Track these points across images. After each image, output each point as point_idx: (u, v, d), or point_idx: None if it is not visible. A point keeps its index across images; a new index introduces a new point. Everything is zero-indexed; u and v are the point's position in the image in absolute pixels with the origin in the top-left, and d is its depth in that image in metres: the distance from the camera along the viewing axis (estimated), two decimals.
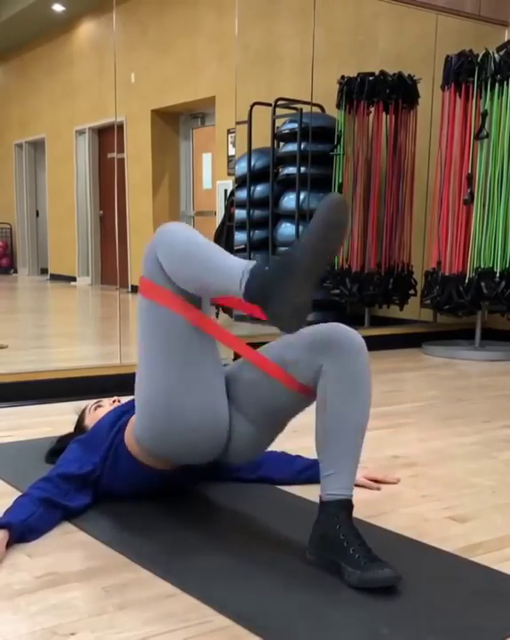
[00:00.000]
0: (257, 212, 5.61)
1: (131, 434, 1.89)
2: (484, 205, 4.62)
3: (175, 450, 1.78)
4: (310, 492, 2.08)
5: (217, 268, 1.59)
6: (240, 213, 5.66)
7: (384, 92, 5.09)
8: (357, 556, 1.56)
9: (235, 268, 1.56)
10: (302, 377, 1.72)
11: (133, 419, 1.88)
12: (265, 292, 1.51)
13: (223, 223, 5.98)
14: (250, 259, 5.51)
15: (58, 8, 7.69)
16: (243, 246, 5.59)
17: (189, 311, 1.70)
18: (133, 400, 2.06)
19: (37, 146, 8.90)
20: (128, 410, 2.02)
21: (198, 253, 1.62)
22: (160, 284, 1.69)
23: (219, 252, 1.63)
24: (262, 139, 5.55)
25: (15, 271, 9.06)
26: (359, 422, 1.71)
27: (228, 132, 6.43)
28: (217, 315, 5.84)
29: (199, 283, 1.64)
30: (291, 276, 1.49)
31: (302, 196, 5.32)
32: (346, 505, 1.65)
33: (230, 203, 5.86)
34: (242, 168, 5.65)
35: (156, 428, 1.76)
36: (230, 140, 6.44)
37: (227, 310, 5.66)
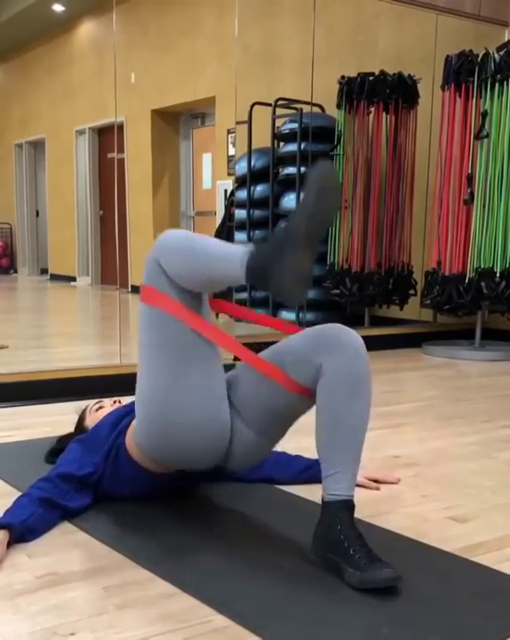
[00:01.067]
0: (257, 212, 5.62)
1: (132, 437, 1.89)
2: (484, 205, 4.62)
3: (174, 454, 1.78)
4: (310, 492, 2.08)
5: (218, 257, 1.60)
6: (240, 213, 5.66)
7: (384, 92, 5.09)
8: (357, 557, 1.56)
9: (235, 254, 1.57)
10: (302, 378, 1.70)
11: (134, 422, 1.89)
12: (265, 268, 1.52)
13: (223, 223, 5.99)
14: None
15: (58, 8, 7.69)
16: None
17: (189, 316, 1.71)
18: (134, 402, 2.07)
19: (37, 146, 8.91)
20: (129, 412, 2.02)
21: (199, 248, 1.64)
22: (161, 291, 1.70)
23: (220, 243, 1.65)
24: (262, 139, 5.55)
25: (15, 271, 9.07)
26: (360, 422, 1.71)
27: (228, 132, 6.43)
28: (216, 315, 5.85)
29: (204, 277, 1.65)
30: (289, 245, 1.50)
31: (302, 197, 5.31)
32: (348, 505, 1.65)
33: (230, 203, 5.86)
34: (242, 168, 5.66)
35: (155, 430, 1.76)
36: (230, 140, 6.44)
37: None
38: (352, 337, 1.72)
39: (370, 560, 1.56)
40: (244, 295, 5.64)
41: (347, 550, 1.58)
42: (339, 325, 1.75)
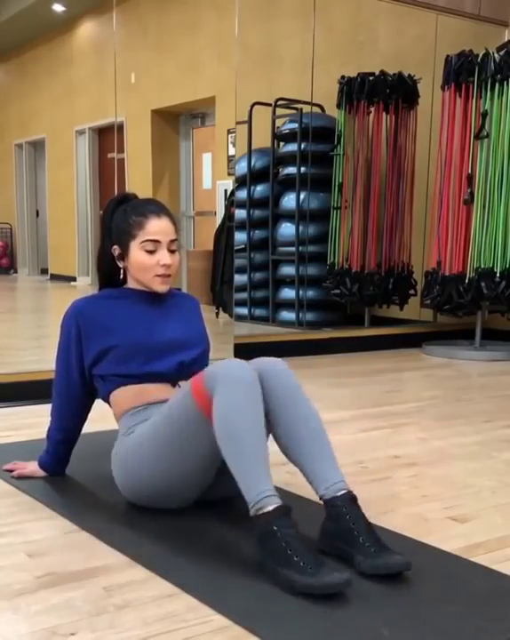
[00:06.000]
0: (257, 212, 5.61)
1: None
2: (484, 205, 4.62)
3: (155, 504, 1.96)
4: (311, 492, 2.08)
5: (244, 478, 1.64)
6: (240, 213, 5.66)
7: (384, 92, 5.10)
8: (367, 545, 1.60)
9: (252, 491, 1.62)
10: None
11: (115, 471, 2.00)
12: (260, 546, 1.60)
13: (223, 223, 5.98)
14: (250, 259, 5.53)
15: (58, 8, 7.68)
16: (243, 246, 5.59)
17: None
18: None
19: (37, 146, 8.89)
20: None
21: (242, 451, 1.65)
22: (212, 399, 1.71)
23: (259, 459, 1.65)
24: (262, 139, 5.54)
25: (15, 271, 9.06)
26: (317, 423, 1.79)
27: (228, 132, 6.43)
28: (216, 314, 5.85)
29: (227, 462, 1.67)
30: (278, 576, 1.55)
31: (302, 196, 5.32)
32: (351, 497, 1.70)
33: (230, 203, 5.86)
34: (242, 168, 5.66)
35: (140, 497, 1.95)
36: (230, 140, 6.44)
37: (227, 309, 5.67)
38: (273, 363, 1.84)
39: (380, 548, 1.60)
40: (244, 295, 5.64)
41: (357, 538, 1.62)
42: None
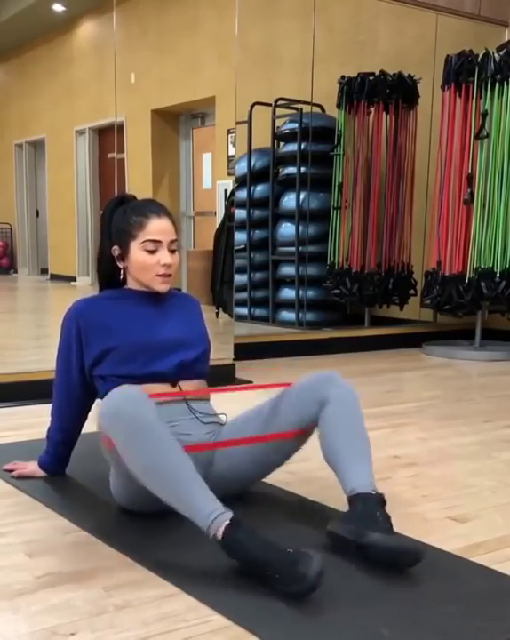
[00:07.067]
0: (257, 212, 5.61)
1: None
2: (484, 205, 4.62)
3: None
4: (311, 492, 2.08)
5: (184, 508, 1.61)
6: (240, 213, 5.66)
7: (384, 92, 5.10)
8: (386, 527, 1.63)
9: (199, 517, 1.58)
10: (303, 420, 1.87)
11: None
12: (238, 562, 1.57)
13: (223, 223, 5.98)
14: (250, 259, 5.53)
15: (58, 8, 7.67)
16: (243, 246, 5.59)
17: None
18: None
19: (37, 146, 8.89)
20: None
21: (166, 485, 1.63)
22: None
23: (186, 481, 1.62)
24: (262, 139, 5.54)
25: (15, 271, 9.05)
26: (366, 434, 1.85)
27: (228, 132, 6.43)
28: (216, 314, 5.85)
29: (166, 501, 1.65)
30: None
31: (302, 196, 5.32)
32: (380, 497, 1.71)
33: (230, 203, 5.86)
34: (242, 168, 5.66)
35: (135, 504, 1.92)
36: (230, 140, 6.44)
37: (227, 309, 5.67)
38: (343, 380, 1.91)
39: (394, 534, 1.64)
40: (244, 295, 5.64)
41: (377, 518, 1.64)
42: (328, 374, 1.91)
